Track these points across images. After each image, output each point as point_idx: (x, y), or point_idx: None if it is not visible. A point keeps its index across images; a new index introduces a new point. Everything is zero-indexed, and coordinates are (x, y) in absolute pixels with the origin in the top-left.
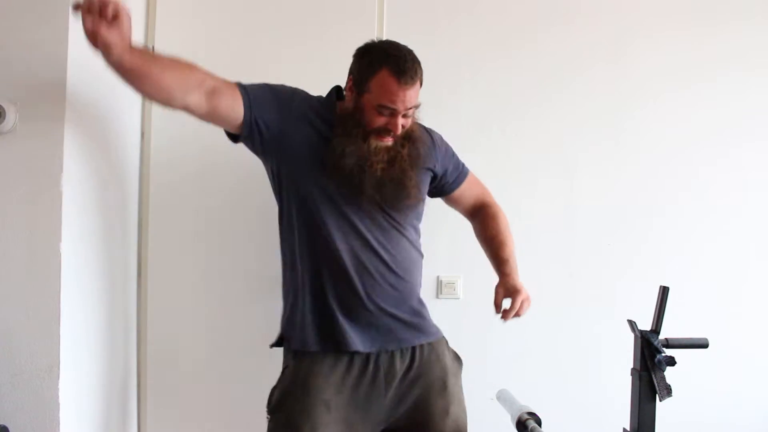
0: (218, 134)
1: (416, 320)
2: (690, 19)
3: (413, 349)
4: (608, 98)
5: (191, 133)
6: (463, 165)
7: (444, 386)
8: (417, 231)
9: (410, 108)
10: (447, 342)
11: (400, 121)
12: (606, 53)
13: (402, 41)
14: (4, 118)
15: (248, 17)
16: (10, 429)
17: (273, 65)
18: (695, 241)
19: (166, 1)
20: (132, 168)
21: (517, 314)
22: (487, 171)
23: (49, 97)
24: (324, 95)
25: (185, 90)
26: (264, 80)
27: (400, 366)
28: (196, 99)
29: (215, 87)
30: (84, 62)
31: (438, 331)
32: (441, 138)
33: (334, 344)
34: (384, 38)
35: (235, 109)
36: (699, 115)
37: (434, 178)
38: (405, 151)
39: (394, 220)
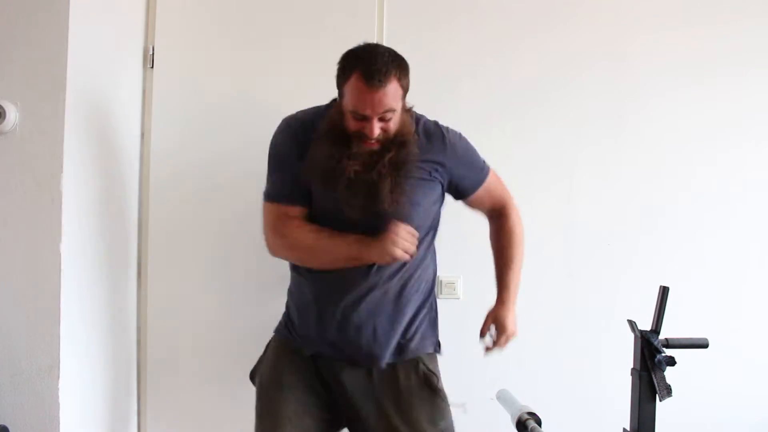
0: (218, 135)
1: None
2: (690, 19)
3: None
4: (608, 98)
5: (191, 133)
6: (483, 167)
7: (400, 411)
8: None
9: (384, 112)
10: (420, 364)
11: (376, 125)
12: (606, 53)
13: (402, 41)
14: (4, 118)
15: (248, 17)
16: (10, 429)
17: (272, 65)
18: (695, 241)
19: (166, 1)
20: (132, 168)
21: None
22: None
23: (49, 97)
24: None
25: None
26: (263, 80)
27: (351, 373)
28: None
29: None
30: (84, 62)
31: (413, 350)
32: (459, 137)
33: None
34: (384, 38)
35: (297, 209)
36: (699, 114)
37: (445, 181)
38: (389, 156)
39: (376, 228)
